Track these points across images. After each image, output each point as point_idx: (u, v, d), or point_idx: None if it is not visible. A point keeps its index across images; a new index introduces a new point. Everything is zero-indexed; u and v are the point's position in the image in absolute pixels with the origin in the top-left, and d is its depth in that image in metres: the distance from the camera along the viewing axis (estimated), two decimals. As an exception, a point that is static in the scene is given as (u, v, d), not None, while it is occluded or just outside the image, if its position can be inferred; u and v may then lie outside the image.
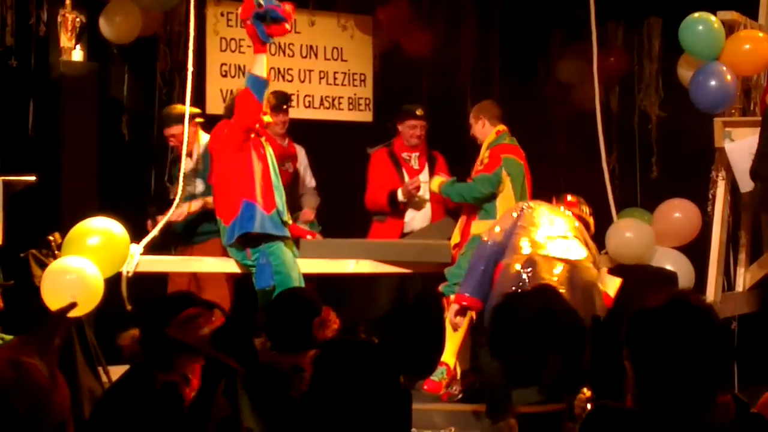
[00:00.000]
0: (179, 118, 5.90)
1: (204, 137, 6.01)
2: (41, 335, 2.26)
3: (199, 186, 6.00)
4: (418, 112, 6.57)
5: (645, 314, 2.18)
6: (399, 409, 2.20)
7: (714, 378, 2.14)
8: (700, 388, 2.12)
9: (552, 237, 5.17)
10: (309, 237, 5.96)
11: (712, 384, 2.14)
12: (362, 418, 2.14)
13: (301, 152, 6.65)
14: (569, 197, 5.57)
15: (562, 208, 5.46)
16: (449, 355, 5.91)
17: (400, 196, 6.45)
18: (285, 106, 6.43)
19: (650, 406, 2.14)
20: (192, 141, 5.98)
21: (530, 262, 5.04)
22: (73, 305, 3.03)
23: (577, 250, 5.17)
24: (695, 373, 2.12)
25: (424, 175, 6.57)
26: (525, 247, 5.11)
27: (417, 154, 6.62)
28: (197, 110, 6.06)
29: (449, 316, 5.54)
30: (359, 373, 2.18)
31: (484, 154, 6.19)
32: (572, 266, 5.07)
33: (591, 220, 5.62)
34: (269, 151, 5.69)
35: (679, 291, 2.25)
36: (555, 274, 4.97)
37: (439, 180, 6.37)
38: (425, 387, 5.87)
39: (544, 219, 5.26)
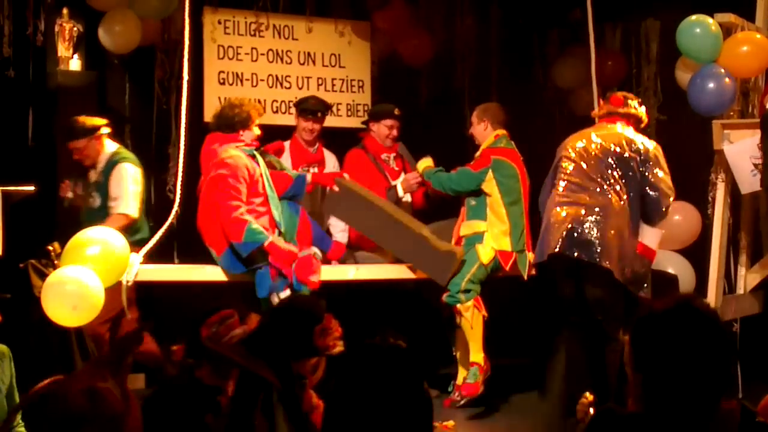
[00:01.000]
0: (84, 132, 5.83)
1: (110, 147, 5.90)
2: (114, 355, 2.25)
3: (97, 200, 5.86)
4: (396, 111, 6.53)
5: (651, 319, 2.17)
6: (422, 416, 2.19)
7: (719, 382, 2.13)
8: (706, 392, 2.11)
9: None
10: (336, 187, 5.85)
11: (718, 388, 2.13)
12: (386, 421, 2.13)
13: (331, 160, 6.59)
14: (618, 93, 5.63)
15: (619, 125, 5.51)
16: (476, 355, 5.89)
17: (401, 192, 6.41)
18: (320, 114, 6.43)
19: (655, 410, 2.14)
20: (97, 153, 5.87)
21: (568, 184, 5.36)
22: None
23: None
24: (701, 378, 2.11)
25: (402, 176, 6.56)
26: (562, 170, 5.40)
27: (393, 154, 6.59)
28: (103, 121, 5.92)
29: None
30: (386, 377, 2.17)
31: (477, 154, 6.17)
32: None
33: (642, 112, 5.61)
34: (262, 165, 5.66)
35: (684, 295, 2.23)
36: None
37: (426, 163, 6.29)
38: (464, 392, 5.86)
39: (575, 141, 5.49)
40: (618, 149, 5.33)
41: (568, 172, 5.38)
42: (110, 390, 2.09)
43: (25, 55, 6.50)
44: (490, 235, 5.96)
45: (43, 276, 5.11)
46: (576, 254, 5.15)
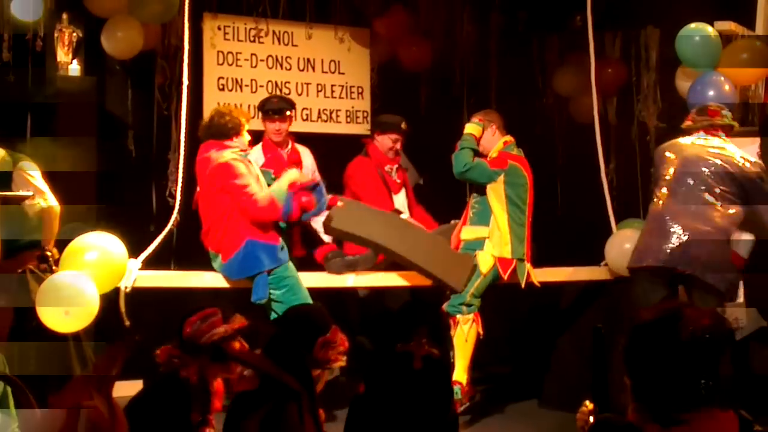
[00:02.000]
0: None
1: None
2: (101, 368, 2.25)
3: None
4: (403, 125, 6.47)
5: (640, 328, 2.18)
6: (449, 427, 2.19)
7: (709, 389, 2.13)
8: (695, 400, 2.11)
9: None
10: (340, 203, 5.76)
11: (707, 396, 2.13)
12: (415, 426, 2.12)
13: (305, 155, 6.48)
14: (712, 106, 5.58)
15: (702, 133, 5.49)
16: (461, 373, 5.81)
17: None
18: (287, 112, 6.27)
19: (647, 419, 2.14)
20: None
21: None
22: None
23: None
24: (689, 385, 2.11)
25: (402, 192, 6.54)
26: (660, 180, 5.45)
27: (396, 166, 6.56)
28: None
29: None
30: (420, 385, 2.16)
31: (493, 155, 6.10)
32: None
33: (735, 124, 5.60)
34: (257, 170, 5.66)
35: (674, 304, 2.24)
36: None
37: (474, 129, 6.07)
38: None
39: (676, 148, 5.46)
40: (719, 161, 5.31)
41: (669, 180, 5.37)
42: (96, 408, 2.10)
43: (24, 61, 6.49)
44: (491, 241, 5.94)
45: (41, 282, 5.10)
46: (682, 269, 5.20)
